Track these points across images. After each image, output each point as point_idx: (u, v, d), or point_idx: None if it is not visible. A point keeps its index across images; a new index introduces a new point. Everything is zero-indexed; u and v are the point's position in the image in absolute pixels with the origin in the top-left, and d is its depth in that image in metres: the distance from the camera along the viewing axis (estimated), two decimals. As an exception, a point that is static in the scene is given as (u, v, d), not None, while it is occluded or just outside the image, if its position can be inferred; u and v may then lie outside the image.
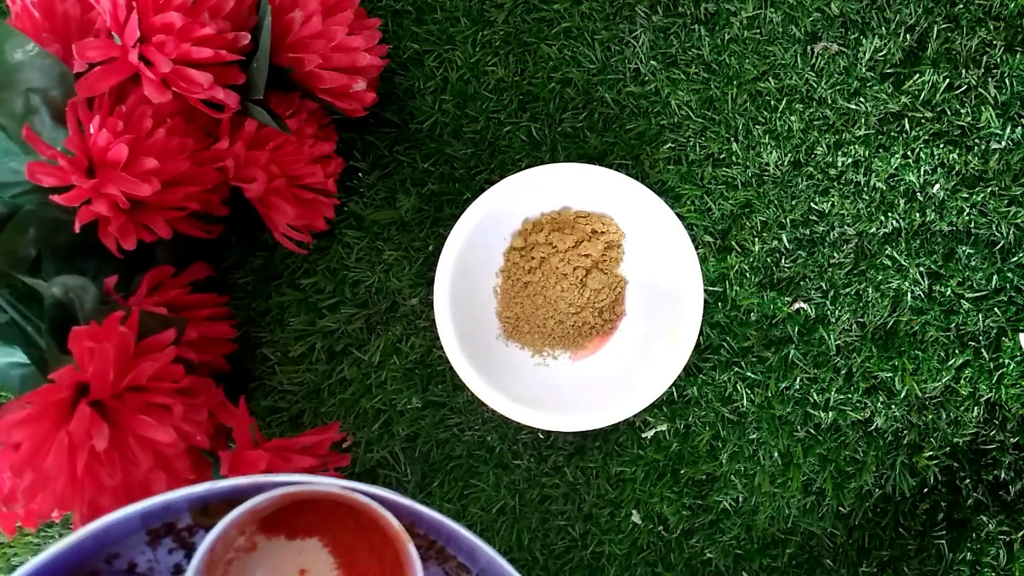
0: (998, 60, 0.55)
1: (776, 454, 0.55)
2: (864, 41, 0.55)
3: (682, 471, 0.55)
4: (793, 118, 0.55)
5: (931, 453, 0.54)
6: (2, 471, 0.39)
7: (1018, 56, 0.54)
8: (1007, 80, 0.54)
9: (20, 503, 0.39)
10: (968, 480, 0.54)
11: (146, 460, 0.40)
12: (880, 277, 0.54)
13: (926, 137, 0.54)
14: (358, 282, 0.56)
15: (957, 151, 0.54)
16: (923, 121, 0.55)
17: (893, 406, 0.54)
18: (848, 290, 0.55)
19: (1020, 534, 0.53)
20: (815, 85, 0.55)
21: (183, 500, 0.41)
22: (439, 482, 0.55)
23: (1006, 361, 0.54)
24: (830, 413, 0.54)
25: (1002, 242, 0.54)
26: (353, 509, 0.43)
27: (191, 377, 0.43)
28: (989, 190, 0.54)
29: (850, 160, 0.55)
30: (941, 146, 0.54)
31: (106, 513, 0.41)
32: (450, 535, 0.44)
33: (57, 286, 0.42)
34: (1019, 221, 0.54)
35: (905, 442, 0.54)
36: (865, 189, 0.55)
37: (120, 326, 0.40)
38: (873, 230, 0.55)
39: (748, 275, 0.55)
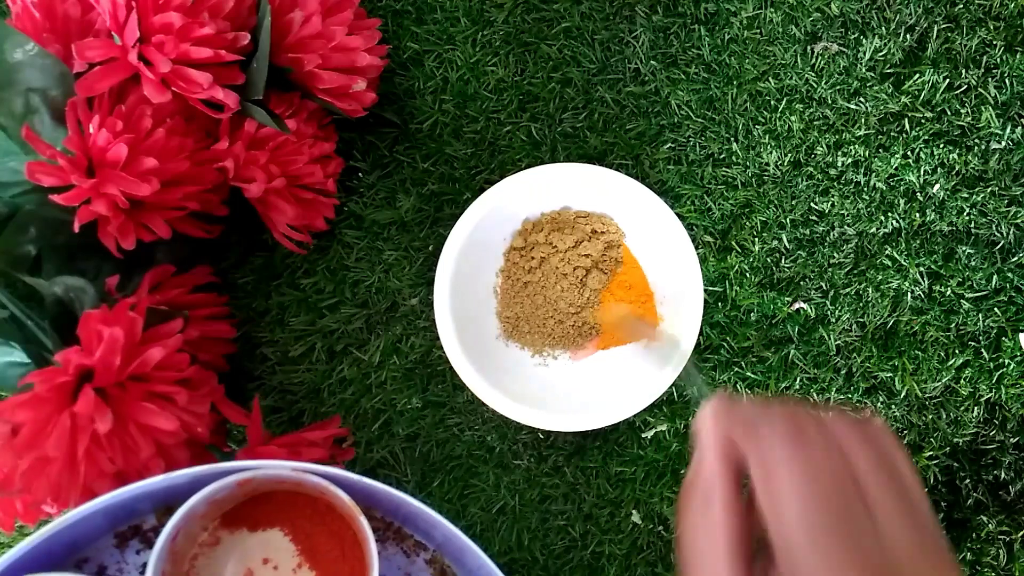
0: (998, 60, 0.55)
1: (776, 454, 0.55)
2: (864, 41, 0.55)
3: (682, 471, 0.55)
4: (793, 118, 0.55)
5: (931, 453, 0.54)
6: (2, 465, 0.39)
7: (1018, 56, 0.54)
8: (1007, 80, 0.54)
9: (18, 487, 0.39)
10: (968, 480, 0.54)
11: (147, 448, 0.40)
12: (880, 277, 0.54)
13: (926, 137, 0.54)
14: (358, 282, 0.56)
15: (957, 151, 0.54)
16: (923, 121, 0.55)
17: (893, 406, 0.54)
18: (848, 290, 0.55)
19: (1020, 534, 0.53)
20: (815, 85, 0.55)
21: (147, 496, 0.42)
22: (439, 482, 0.55)
23: (1006, 361, 0.54)
24: (830, 413, 0.54)
25: (1002, 242, 0.54)
26: (310, 498, 0.45)
27: (194, 368, 0.43)
28: (989, 190, 0.54)
29: (850, 160, 0.55)
30: (941, 146, 0.54)
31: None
32: (407, 515, 0.45)
33: (58, 286, 0.42)
34: (1019, 221, 0.54)
35: (905, 442, 0.54)
36: (865, 189, 0.55)
37: (129, 312, 0.41)
38: (873, 230, 0.55)
39: (748, 275, 0.55)
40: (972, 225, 0.54)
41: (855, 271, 0.55)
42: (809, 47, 0.55)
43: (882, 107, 0.55)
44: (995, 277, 0.54)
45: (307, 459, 0.47)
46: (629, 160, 0.56)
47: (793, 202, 0.55)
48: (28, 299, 0.43)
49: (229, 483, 0.41)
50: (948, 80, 0.54)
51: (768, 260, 0.55)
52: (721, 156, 0.56)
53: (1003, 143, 0.54)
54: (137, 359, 0.40)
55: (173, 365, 0.42)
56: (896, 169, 0.54)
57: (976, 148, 0.54)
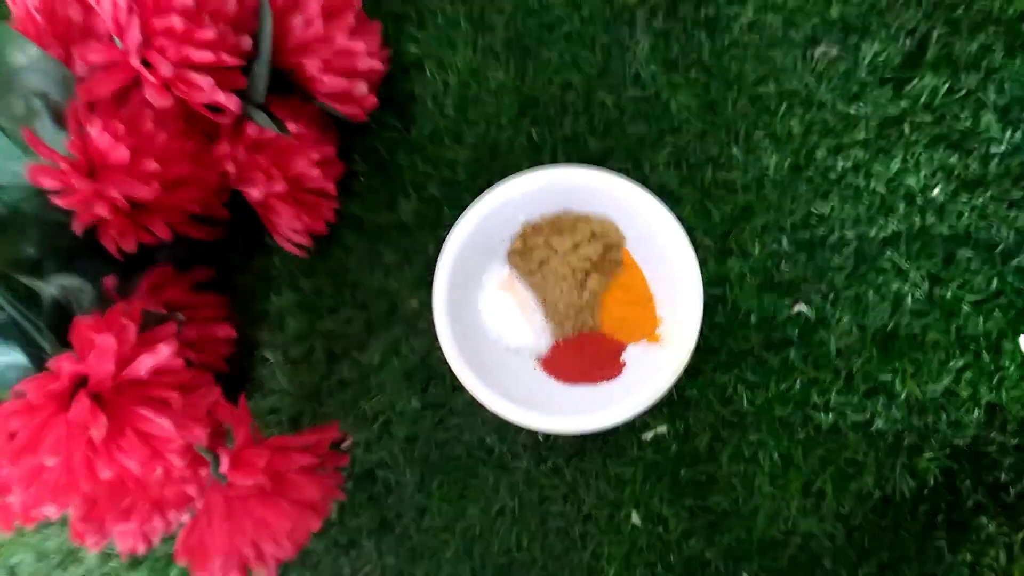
0: (998, 64, 0.55)
1: (776, 456, 0.55)
2: (864, 45, 0.55)
3: (682, 472, 0.55)
4: (793, 122, 0.55)
5: (931, 455, 0.54)
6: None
7: (1018, 60, 0.54)
8: (1007, 84, 0.54)
9: (15, 493, 0.39)
10: (968, 482, 0.54)
11: (143, 453, 0.40)
12: (880, 280, 0.54)
13: (926, 141, 0.54)
14: (358, 284, 0.56)
15: (957, 155, 0.54)
16: (923, 125, 0.55)
17: (893, 408, 0.54)
18: (848, 293, 0.55)
19: (1020, 536, 0.53)
20: (815, 89, 0.55)
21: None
22: (438, 483, 0.55)
23: (1006, 363, 0.54)
24: (830, 415, 0.54)
25: (1002, 245, 0.54)
26: None
27: (190, 372, 0.43)
28: (989, 194, 0.54)
29: (850, 164, 0.55)
30: (941, 150, 0.54)
31: (101, 509, 0.41)
32: None
33: (55, 286, 0.42)
34: (1019, 225, 0.54)
35: (905, 444, 0.54)
36: (865, 193, 0.55)
37: (122, 318, 0.41)
38: (873, 233, 0.55)
39: (748, 278, 0.55)
40: (972, 228, 0.54)
41: (855, 274, 0.55)
42: (809, 51, 0.55)
43: (882, 111, 0.55)
44: (995, 280, 0.54)
45: (296, 464, 0.46)
46: (629, 164, 0.56)
47: (793, 205, 0.55)
48: (28, 300, 0.44)
49: None
50: (948, 84, 0.55)
51: (768, 263, 0.55)
52: (721, 160, 0.56)
53: (1003, 147, 0.54)
54: (131, 364, 0.40)
55: (169, 370, 0.42)
56: (896, 173, 0.54)
57: (976, 152, 0.54)
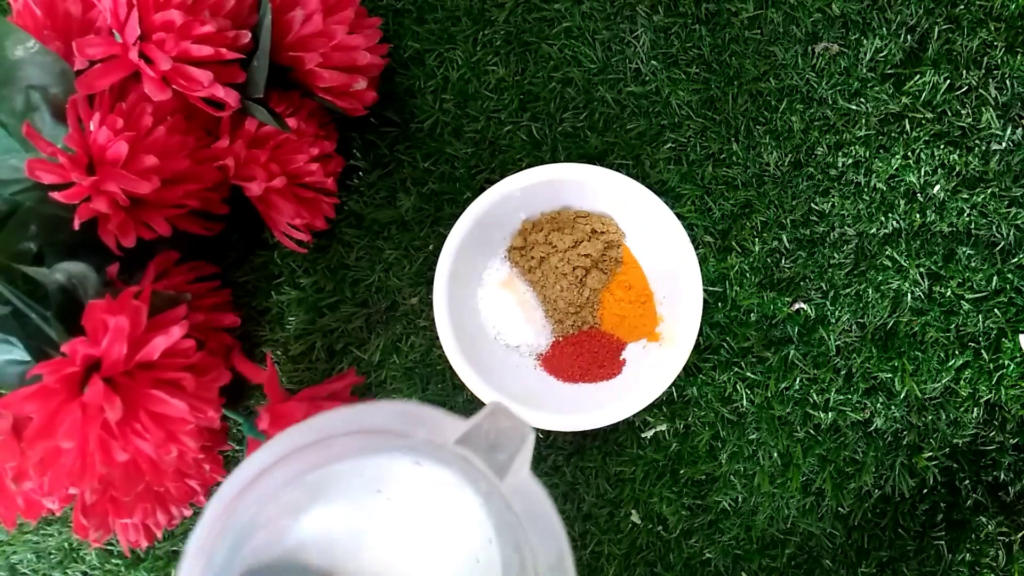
0: (999, 61, 0.55)
1: (775, 454, 0.55)
2: (865, 41, 0.55)
3: (681, 471, 0.55)
4: (794, 118, 0.55)
5: (931, 454, 0.54)
6: (5, 460, 0.39)
7: (1019, 57, 0.54)
8: (1008, 81, 0.54)
9: (31, 480, 0.39)
10: (967, 481, 0.54)
11: (157, 435, 0.40)
12: (880, 278, 0.54)
13: (926, 138, 0.54)
14: (358, 281, 0.56)
15: (957, 152, 0.54)
16: (923, 122, 0.55)
17: (893, 407, 0.54)
18: (848, 291, 0.55)
19: (1019, 535, 0.53)
20: (816, 85, 0.55)
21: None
22: (438, 481, 0.55)
23: (1006, 362, 0.54)
24: (830, 414, 0.54)
25: (1002, 243, 0.54)
26: None
27: (201, 354, 0.43)
28: (989, 191, 0.54)
29: (850, 160, 0.55)
30: (941, 147, 0.54)
31: (114, 491, 0.40)
32: None
33: (60, 272, 0.42)
34: (1019, 222, 0.54)
35: (905, 443, 0.54)
36: (865, 190, 0.55)
37: (133, 300, 0.41)
38: (873, 231, 0.55)
39: (748, 275, 0.55)
40: (972, 226, 0.54)
41: (855, 272, 0.55)
42: (810, 47, 0.55)
43: (883, 107, 0.55)
44: (995, 278, 0.54)
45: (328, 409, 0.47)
46: (630, 160, 0.56)
47: (793, 202, 0.55)
48: (29, 295, 0.43)
49: None
50: (949, 81, 0.54)
51: (768, 260, 0.55)
52: (721, 156, 0.55)
53: (1003, 144, 0.54)
54: (143, 347, 0.40)
55: (180, 352, 0.42)
56: (896, 170, 0.54)
57: (976, 149, 0.54)
